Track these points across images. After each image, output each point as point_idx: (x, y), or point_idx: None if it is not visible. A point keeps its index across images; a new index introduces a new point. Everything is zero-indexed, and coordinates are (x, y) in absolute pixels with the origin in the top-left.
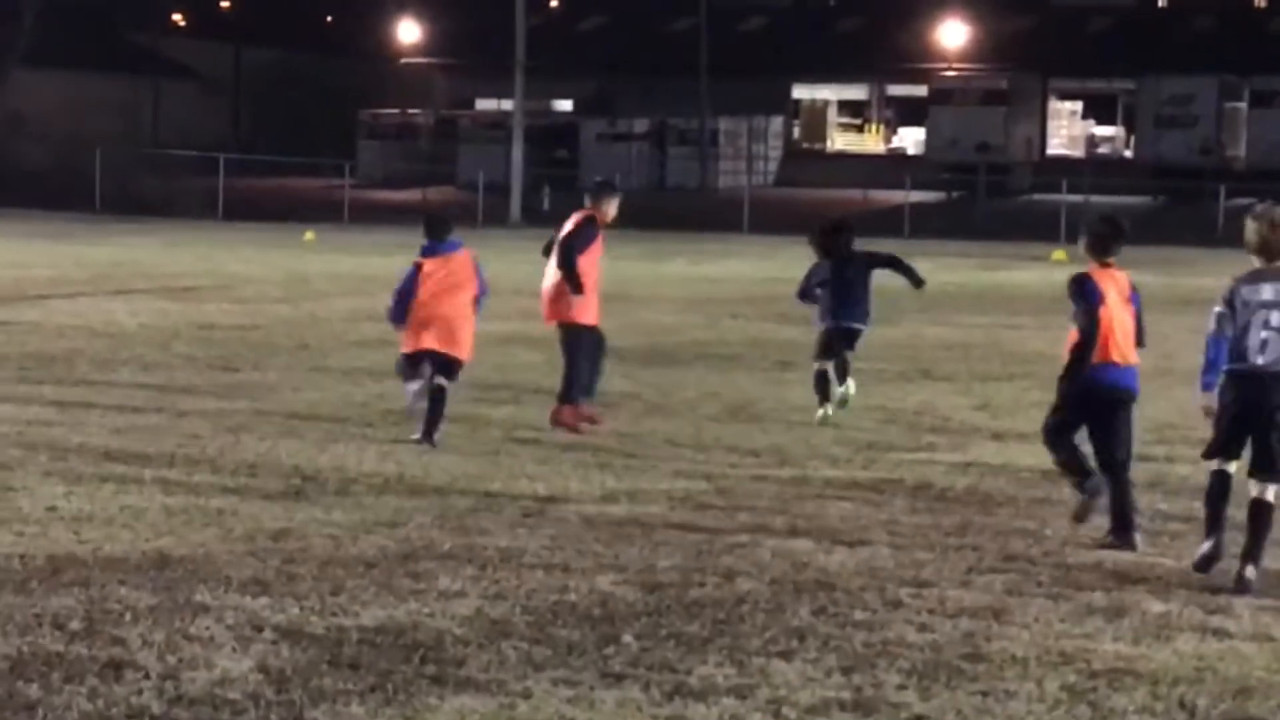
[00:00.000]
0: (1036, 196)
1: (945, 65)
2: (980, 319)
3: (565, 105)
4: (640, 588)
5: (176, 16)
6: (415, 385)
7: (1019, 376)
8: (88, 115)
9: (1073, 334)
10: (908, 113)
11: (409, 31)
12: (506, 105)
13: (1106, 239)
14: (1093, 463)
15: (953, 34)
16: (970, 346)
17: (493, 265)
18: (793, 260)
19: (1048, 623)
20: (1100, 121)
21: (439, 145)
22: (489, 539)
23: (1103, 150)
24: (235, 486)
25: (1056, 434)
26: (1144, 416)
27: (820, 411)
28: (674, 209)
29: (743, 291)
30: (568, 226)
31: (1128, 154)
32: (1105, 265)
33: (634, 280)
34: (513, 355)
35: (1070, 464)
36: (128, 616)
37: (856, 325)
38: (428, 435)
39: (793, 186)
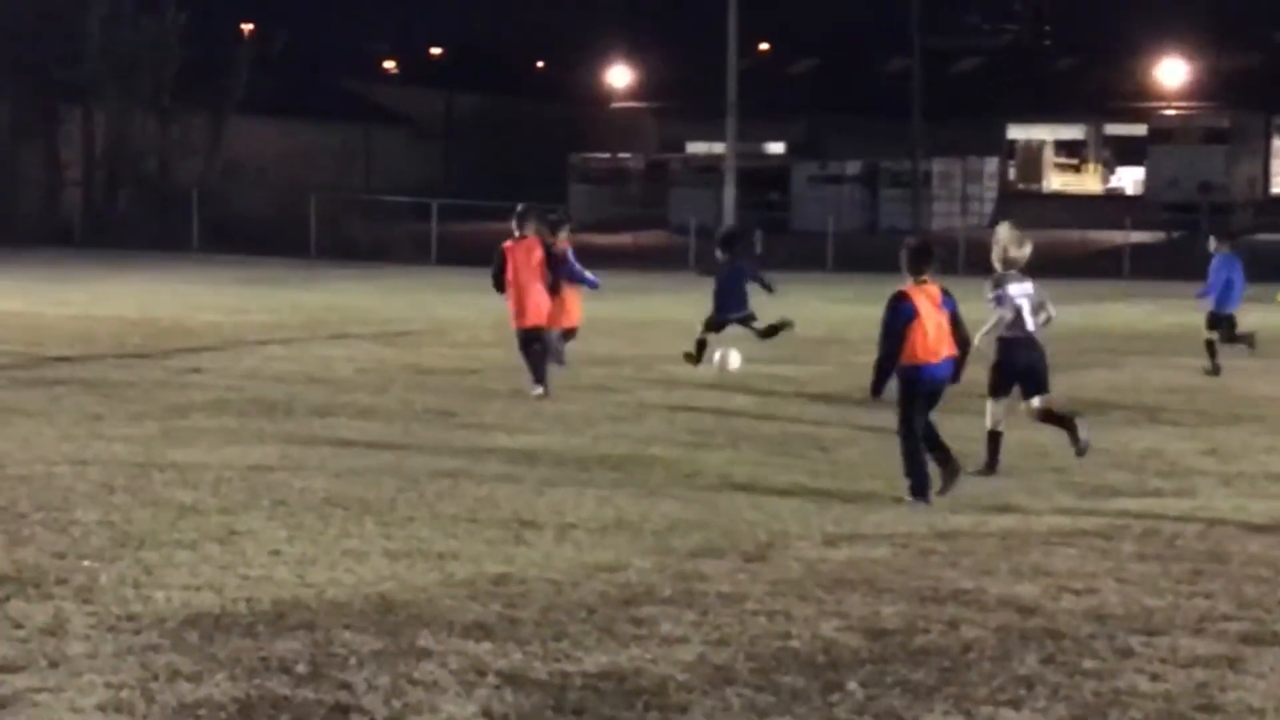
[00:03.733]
0: (1260, 236)
1: (1164, 104)
2: (1205, 361)
3: (777, 148)
4: (864, 634)
5: (388, 64)
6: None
7: (1246, 420)
8: (302, 162)
9: None
10: (1126, 152)
11: (620, 76)
12: (718, 148)
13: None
14: None
15: (1172, 72)
16: (1196, 390)
17: (706, 309)
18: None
19: None
20: None
21: (650, 189)
22: (710, 584)
23: None
24: (455, 531)
25: None
26: None
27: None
28: (887, 252)
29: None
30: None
31: None
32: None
33: (849, 323)
34: (729, 399)
35: None
36: (352, 661)
37: None
38: None
39: None
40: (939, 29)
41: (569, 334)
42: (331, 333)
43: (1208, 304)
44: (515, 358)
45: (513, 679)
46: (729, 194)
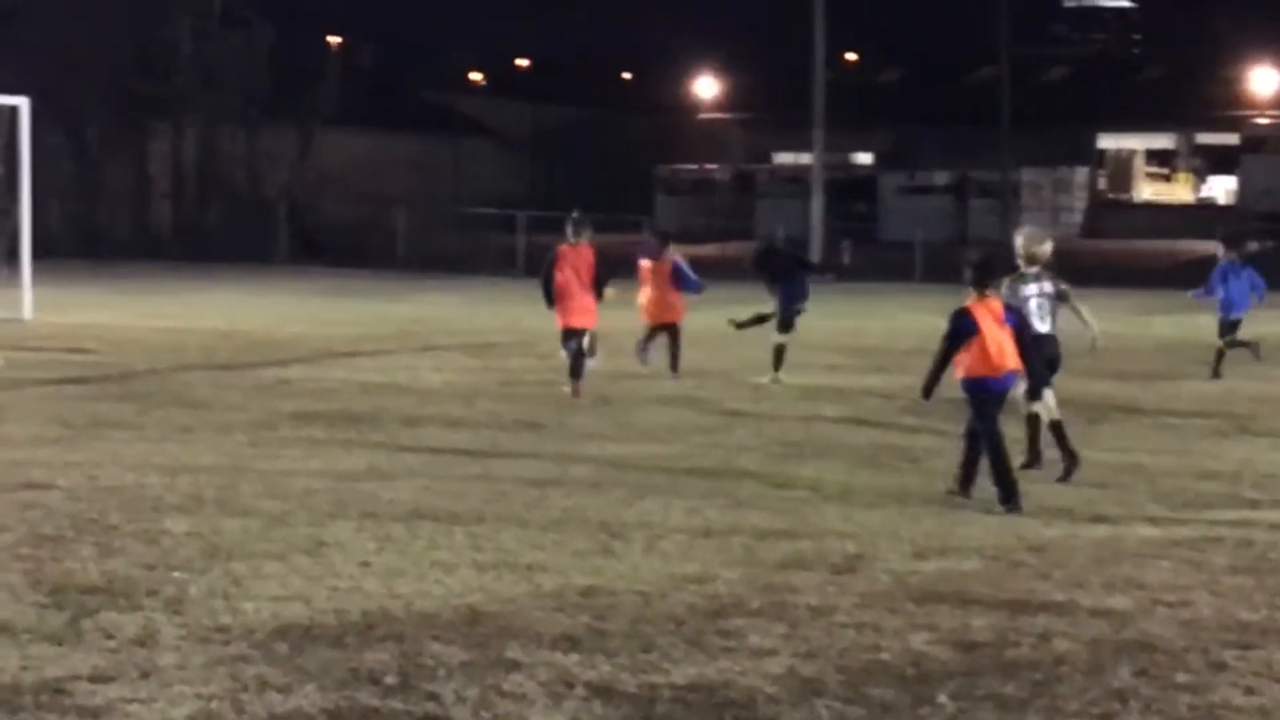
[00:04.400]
0: None
1: (1257, 112)
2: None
3: (864, 158)
4: (954, 647)
5: (474, 75)
6: None
7: None
8: (389, 174)
9: None
10: (1218, 161)
11: (707, 87)
12: (804, 159)
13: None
14: None
15: (1264, 80)
16: None
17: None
18: (1106, 312)
19: None
20: None
21: (736, 200)
22: (798, 596)
23: None
24: (543, 542)
25: None
26: None
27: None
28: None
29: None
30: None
31: None
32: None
33: (937, 335)
34: (817, 410)
35: None
36: (441, 672)
37: None
38: None
39: (1099, 238)
40: (1027, 38)
41: (668, 330)
42: (419, 344)
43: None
44: (602, 369)
45: (601, 691)
46: (816, 205)
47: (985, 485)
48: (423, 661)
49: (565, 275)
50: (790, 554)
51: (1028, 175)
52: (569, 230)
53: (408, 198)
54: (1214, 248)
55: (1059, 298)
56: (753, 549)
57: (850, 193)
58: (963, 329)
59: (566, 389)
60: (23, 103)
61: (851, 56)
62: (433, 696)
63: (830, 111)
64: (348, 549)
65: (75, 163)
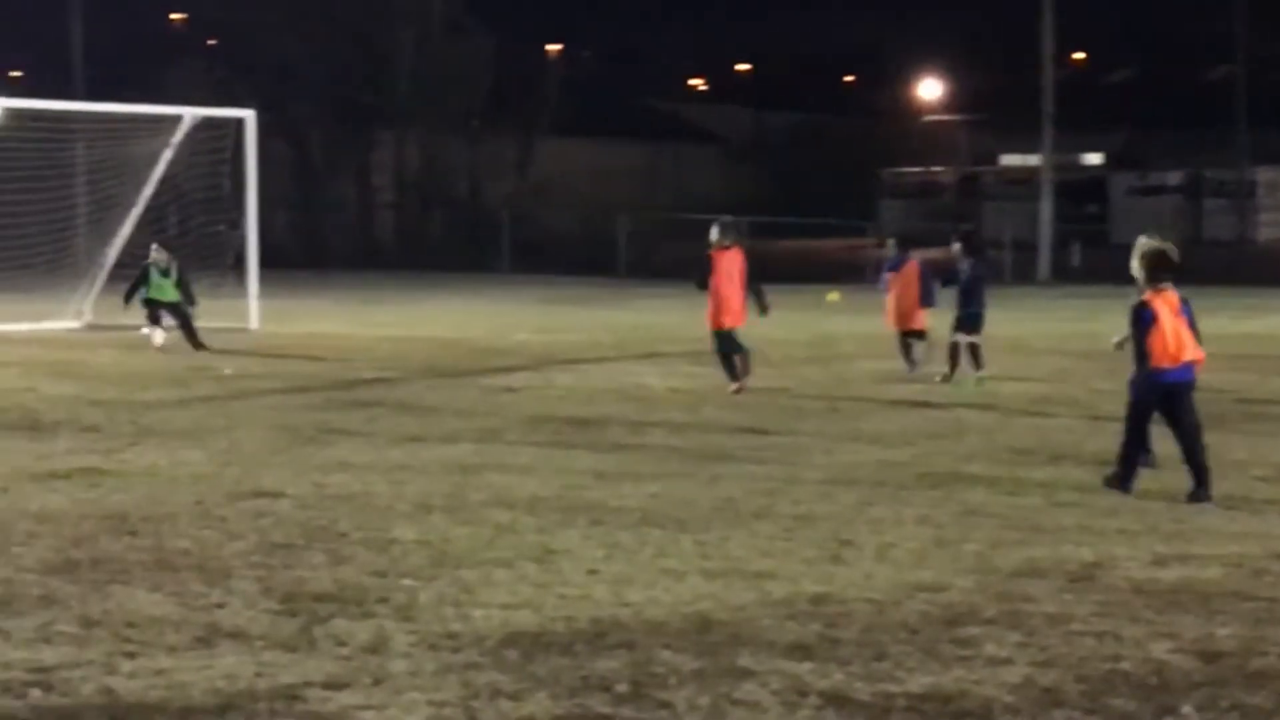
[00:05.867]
0: None
1: None
2: None
3: (1094, 159)
4: (1197, 657)
5: (695, 81)
6: None
7: None
8: (610, 182)
9: None
10: None
11: (931, 89)
12: (1033, 160)
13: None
14: None
15: None
16: None
17: (1022, 325)
18: None
19: None
20: None
21: (963, 203)
22: (1034, 605)
23: None
24: (772, 550)
25: None
26: None
27: None
28: (1211, 263)
29: None
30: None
31: None
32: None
33: None
34: (1048, 416)
35: None
36: (672, 680)
37: None
38: None
39: None
40: (1264, 35)
41: (919, 334)
42: (643, 351)
43: None
44: (830, 375)
45: (835, 699)
46: (1045, 207)
47: (1218, 487)
48: (654, 669)
49: (719, 278)
50: (1025, 562)
51: (1265, 174)
52: (718, 233)
53: (629, 205)
54: None
55: None
56: (986, 556)
57: (1080, 194)
58: (1144, 318)
59: (733, 387)
60: (249, 115)
61: (1080, 56)
62: (665, 705)
63: (1058, 111)
64: (576, 556)
65: (299, 174)
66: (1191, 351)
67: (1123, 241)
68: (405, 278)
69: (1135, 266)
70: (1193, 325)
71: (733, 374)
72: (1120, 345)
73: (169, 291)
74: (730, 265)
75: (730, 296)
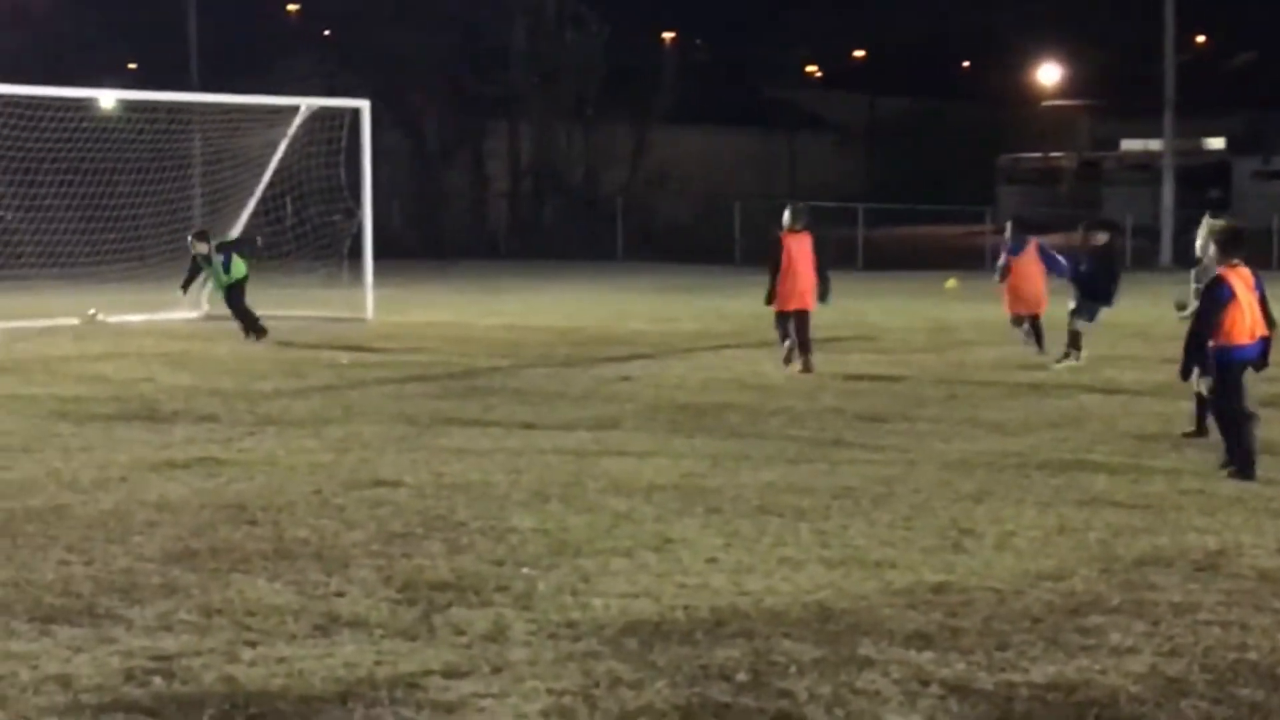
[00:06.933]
0: None
1: None
2: None
3: (1216, 143)
4: None
5: (810, 68)
6: None
7: None
8: (725, 169)
9: None
10: None
11: (1049, 74)
12: (1154, 145)
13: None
14: None
15: None
16: None
17: (1144, 312)
18: None
19: None
20: None
21: (1082, 188)
22: (1159, 594)
23: None
24: (892, 539)
25: None
26: None
27: None
28: None
29: None
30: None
31: None
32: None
33: None
34: (1172, 404)
35: None
36: (793, 669)
37: None
38: None
39: None
40: None
41: (1032, 320)
42: (759, 339)
43: None
44: (948, 363)
45: (957, 689)
46: (1167, 192)
47: None
48: (774, 659)
49: (789, 261)
50: (1149, 550)
51: None
52: (790, 217)
53: (744, 193)
54: None
55: None
56: (1109, 545)
57: (1202, 179)
58: (1221, 296)
59: (795, 367)
60: (364, 105)
61: (1202, 39)
62: (785, 694)
63: (1181, 96)
64: (694, 545)
65: (414, 163)
66: (1261, 328)
67: (1246, 226)
68: (520, 266)
69: (1201, 245)
70: (1264, 301)
71: (789, 358)
72: (1187, 316)
73: (219, 279)
74: (800, 249)
75: (798, 279)
